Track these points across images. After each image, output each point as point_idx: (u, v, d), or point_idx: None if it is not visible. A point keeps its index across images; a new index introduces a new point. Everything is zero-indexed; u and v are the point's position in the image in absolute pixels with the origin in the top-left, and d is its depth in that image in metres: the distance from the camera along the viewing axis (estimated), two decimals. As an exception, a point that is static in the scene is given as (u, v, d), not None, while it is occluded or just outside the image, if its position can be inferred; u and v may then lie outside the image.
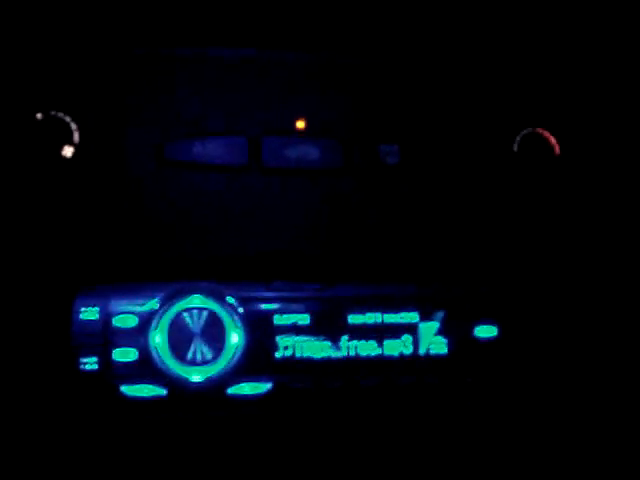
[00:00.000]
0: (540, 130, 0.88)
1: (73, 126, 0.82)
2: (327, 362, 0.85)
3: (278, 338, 0.84)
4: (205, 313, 0.83)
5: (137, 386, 0.83)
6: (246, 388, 0.84)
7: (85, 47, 0.83)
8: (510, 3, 0.87)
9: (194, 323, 0.83)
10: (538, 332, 0.88)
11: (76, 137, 0.82)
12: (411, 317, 0.86)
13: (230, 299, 0.84)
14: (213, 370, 0.83)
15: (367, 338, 0.85)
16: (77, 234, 0.83)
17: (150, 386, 0.83)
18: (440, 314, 0.86)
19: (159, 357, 0.82)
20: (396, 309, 0.86)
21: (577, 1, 0.88)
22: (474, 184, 0.87)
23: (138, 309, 0.83)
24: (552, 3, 0.88)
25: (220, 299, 0.84)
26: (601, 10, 0.89)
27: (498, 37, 0.88)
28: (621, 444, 0.89)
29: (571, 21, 0.88)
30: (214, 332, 0.83)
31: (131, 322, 0.83)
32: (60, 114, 0.82)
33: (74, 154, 0.82)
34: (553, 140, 0.88)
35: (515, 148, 0.88)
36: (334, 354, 0.85)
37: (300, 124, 0.86)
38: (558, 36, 0.88)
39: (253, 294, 0.85)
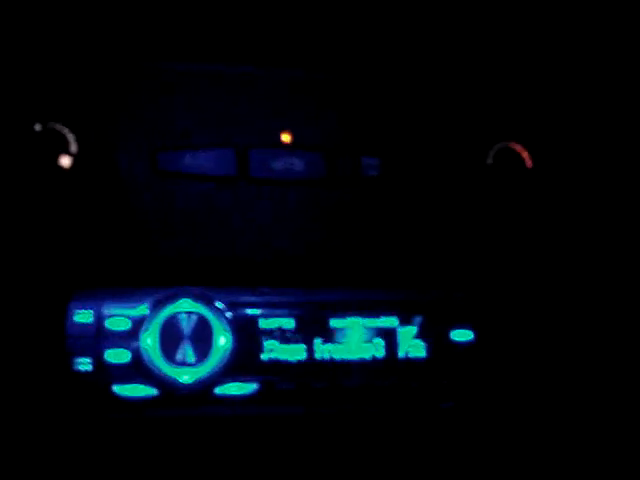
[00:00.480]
0: (513, 144, 0.92)
1: (70, 137, 0.86)
2: (310, 364, 0.89)
3: (264, 341, 0.88)
4: (194, 317, 0.87)
5: (129, 386, 0.86)
6: (233, 389, 0.87)
7: (82, 60, 0.86)
8: (485, 21, 0.92)
9: (184, 326, 0.87)
10: (514, 336, 0.91)
11: (73, 147, 0.86)
12: (390, 321, 0.90)
13: (218, 303, 0.88)
14: (202, 371, 0.87)
15: (348, 341, 0.89)
16: (73, 240, 0.86)
17: (141, 386, 0.86)
18: (418, 319, 0.90)
19: (150, 359, 0.86)
20: (376, 313, 0.90)
21: (548, 18, 0.92)
22: (450, 195, 0.91)
23: (130, 312, 0.87)
24: (525, 20, 0.92)
25: (209, 303, 0.87)
26: (573, 27, 0.93)
27: (474, 55, 0.92)
28: (598, 447, 0.92)
29: (543, 38, 0.92)
30: (203, 335, 0.87)
31: (123, 325, 0.86)
32: (58, 125, 0.85)
33: (71, 164, 0.85)
34: (525, 154, 0.92)
35: (489, 161, 0.92)
36: (317, 356, 0.89)
37: (285, 137, 0.90)
38: (530, 55, 0.92)
39: (240, 299, 0.89)
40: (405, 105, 0.91)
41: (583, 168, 0.92)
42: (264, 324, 0.88)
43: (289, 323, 0.88)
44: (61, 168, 0.85)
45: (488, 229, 0.91)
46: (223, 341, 0.87)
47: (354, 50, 0.91)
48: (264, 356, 0.88)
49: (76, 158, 0.86)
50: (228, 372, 0.87)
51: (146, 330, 0.86)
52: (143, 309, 0.86)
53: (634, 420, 0.92)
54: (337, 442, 0.90)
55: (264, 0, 0.90)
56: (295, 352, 0.88)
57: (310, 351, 0.88)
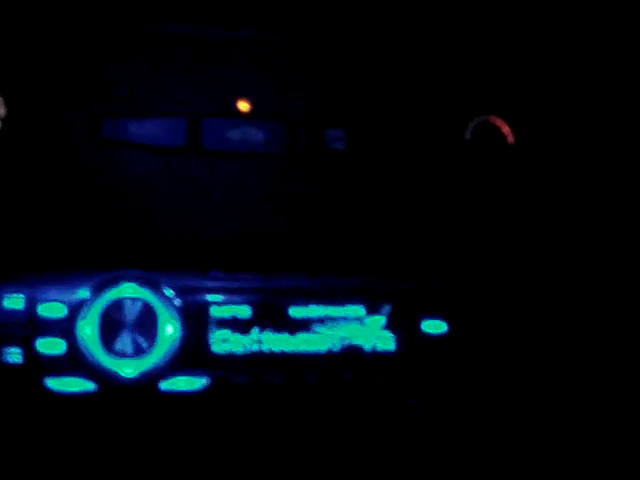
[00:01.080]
0: (493, 118, 0.85)
1: (-1, 99, 0.77)
2: (268, 356, 0.81)
3: (216, 330, 0.80)
4: (139, 303, 0.79)
5: (64, 380, 0.79)
6: (181, 383, 0.80)
7: (15, 14, 0.78)
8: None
9: (127, 313, 0.79)
10: (489, 328, 0.85)
11: (2, 111, 0.77)
12: (357, 311, 0.83)
13: (166, 289, 0.80)
14: (146, 364, 0.79)
15: (310, 332, 0.82)
16: (4, 217, 0.79)
17: (78, 380, 0.79)
18: (387, 308, 0.83)
19: (88, 349, 0.78)
20: (341, 302, 0.82)
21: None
22: (424, 173, 0.84)
23: (67, 297, 0.79)
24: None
25: (155, 288, 0.80)
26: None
27: (452, 22, 0.85)
28: (574, 443, 0.88)
29: (525, 5, 0.85)
30: (148, 323, 0.79)
31: (59, 311, 0.78)
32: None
33: (0, 130, 0.77)
34: (506, 128, 0.85)
35: (467, 136, 0.85)
36: (274, 348, 0.81)
37: (243, 105, 0.82)
38: (510, 23, 0.86)
39: (190, 284, 0.81)
40: (375, 73, 0.84)
41: (567, 144, 0.86)
42: (216, 312, 0.81)
43: (244, 311, 0.81)
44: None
45: (464, 211, 0.84)
46: (170, 330, 0.79)
47: (320, 11, 0.83)
48: (216, 348, 0.80)
49: (5, 122, 0.76)
50: (175, 365, 0.80)
51: (84, 317, 0.78)
52: (81, 294, 0.78)
53: (610, 410, 0.89)
54: (295, 441, 0.84)
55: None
56: (250, 343, 0.81)
57: (267, 342, 0.80)
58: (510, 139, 0.86)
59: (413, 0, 0.85)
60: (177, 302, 0.80)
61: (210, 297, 0.81)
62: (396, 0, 0.85)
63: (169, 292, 0.80)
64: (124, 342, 0.79)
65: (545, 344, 0.87)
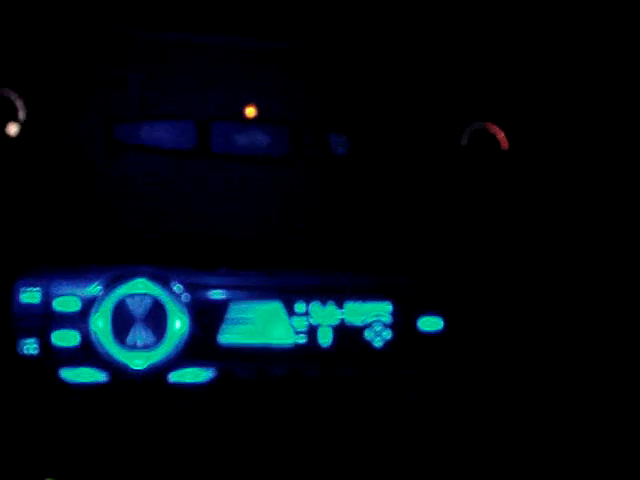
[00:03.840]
0: (488, 124, 0.88)
1: (19, 103, 0.80)
2: (271, 350, 0.84)
3: (222, 325, 0.84)
4: (149, 298, 0.82)
5: (77, 371, 0.82)
6: (188, 375, 0.83)
7: (33, 21, 0.81)
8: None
9: (137, 308, 0.82)
10: (486, 326, 0.88)
11: (22, 115, 0.81)
12: (356, 307, 0.86)
13: (174, 284, 0.83)
14: (155, 356, 0.82)
15: (312, 327, 0.85)
16: (21, 215, 0.81)
17: (91, 371, 0.82)
18: (386, 305, 0.86)
19: (100, 342, 0.81)
20: (341, 298, 0.86)
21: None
22: (422, 177, 0.87)
23: (80, 292, 0.82)
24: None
25: (164, 284, 0.83)
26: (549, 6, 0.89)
27: (448, 30, 0.88)
28: (570, 440, 0.90)
29: (520, 12, 0.88)
30: (158, 318, 0.82)
31: (73, 305, 0.81)
32: (5, 90, 0.80)
33: (19, 132, 0.80)
34: (502, 135, 0.88)
35: (463, 142, 0.88)
36: (278, 343, 0.84)
37: (250, 110, 0.85)
38: (505, 32, 0.88)
39: (198, 280, 0.84)
40: (376, 81, 0.87)
41: (562, 150, 0.88)
42: (222, 308, 0.83)
43: (249, 307, 0.84)
44: (8, 136, 0.80)
45: (461, 213, 0.87)
46: (179, 325, 0.82)
47: (324, 20, 0.86)
48: (222, 341, 0.83)
49: (24, 126, 0.80)
50: (183, 358, 0.83)
51: (97, 311, 0.82)
52: (94, 289, 0.81)
53: (606, 406, 0.90)
54: (297, 432, 0.87)
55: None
56: (254, 337, 0.84)
57: (270, 337, 0.84)
58: (505, 145, 0.89)
59: (412, 9, 0.88)
60: (185, 298, 0.83)
61: (216, 293, 0.84)
62: (395, 9, 0.88)
63: (178, 288, 0.83)
64: (134, 335, 0.82)
65: (540, 340, 0.89)
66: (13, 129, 0.80)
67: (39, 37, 0.81)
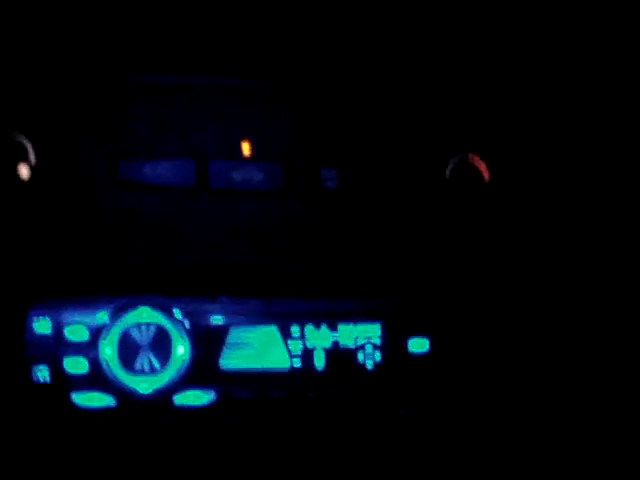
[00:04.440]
0: (471, 156, 0.94)
1: (29, 146, 0.86)
2: (270, 373, 0.90)
3: (222, 350, 0.89)
4: (153, 326, 0.88)
5: (88, 395, 0.87)
6: (191, 397, 0.88)
7: (41, 70, 0.86)
8: (440, 34, 0.93)
9: (142, 335, 0.88)
10: (469, 346, 0.93)
11: (32, 157, 0.86)
12: (350, 330, 0.91)
13: (177, 312, 0.88)
14: (160, 381, 0.87)
15: (308, 350, 0.90)
16: (33, 248, 0.87)
17: (100, 395, 0.87)
18: (377, 327, 0.92)
19: (109, 368, 0.87)
20: (335, 322, 0.91)
21: (506, 26, 0.94)
22: (408, 207, 0.92)
23: (89, 321, 0.87)
24: (481, 31, 0.94)
25: (167, 312, 0.88)
26: (531, 33, 0.94)
27: (433, 71, 0.93)
28: (557, 457, 0.94)
29: (498, 49, 0.93)
30: (162, 344, 0.88)
31: (82, 334, 0.87)
32: (17, 134, 0.86)
33: (30, 174, 0.86)
34: (483, 166, 0.94)
35: (447, 174, 0.93)
36: (276, 365, 0.90)
37: (245, 148, 0.91)
38: (485, 70, 0.94)
39: (199, 308, 0.89)
40: (364, 118, 0.92)
41: (541, 180, 0.94)
42: (222, 333, 0.89)
43: (247, 333, 0.89)
44: (19, 177, 0.85)
45: (446, 240, 0.92)
46: (182, 350, 0.88)
47: (314, 62, 0.92)
48: (222, 365, 0.88)
49: (35, 167, 0.86)
50: (186, 381, 0.88)
51: (105, 339, 0.87)
52: (102, 317, 0.87)
53: (599, 431, 0.94)
54: (295, 450, 0.91)
55: (222, 11, 0.90)
56: (254, 361, 0.89)
57: (268, 360, 0.89)
58: (486, 177, 0.95)
59: (397, 49, 0.93)
60: (187, 324, 0.89)
61: (216, 320, 0.90)
62: (380, 51, 0.93)
63: (180, 315, 0.89)
64: (141, 361, 0.87)
65: (521, 361, 0.94)
66: (24, 170, 0.86)
67: (46, 83, 0.87)
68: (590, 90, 0.96)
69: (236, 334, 0.89)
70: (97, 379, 0.86)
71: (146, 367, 0.87)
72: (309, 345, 0.90)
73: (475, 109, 0.94)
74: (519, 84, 0.95)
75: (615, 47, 0.95)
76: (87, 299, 0.88)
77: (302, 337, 0.90)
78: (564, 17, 0.94)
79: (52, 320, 0.86)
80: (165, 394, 0.87)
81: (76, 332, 0.86)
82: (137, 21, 0.90)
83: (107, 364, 0.87)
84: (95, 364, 0.86)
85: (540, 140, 0.95)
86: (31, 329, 0.86)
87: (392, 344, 0.92)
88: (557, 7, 0.93)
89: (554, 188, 0.95)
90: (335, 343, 0.91)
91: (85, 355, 0.86)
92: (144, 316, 0.88)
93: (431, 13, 0.93)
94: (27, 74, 0.87)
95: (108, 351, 0.87)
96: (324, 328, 0.90)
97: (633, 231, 0.94)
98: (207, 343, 0.89)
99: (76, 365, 0.86)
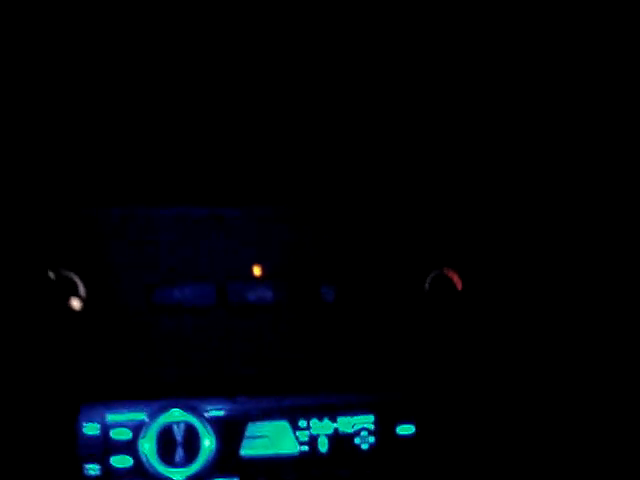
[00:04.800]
0: (446, 270, 1.12)
1: (79, 282, 1.03)
2: (282, 459, 1.07)
3: (244, 442, 1.06)
4: (183, 424, 1.05)
5: (132, 486, 1.04)
6: (217, 483, 1.06)
7: (85, 218, 1.03)
8: (416, 165, 1.10)
9: (176, 431, 1.05)
10: (449, 429, 1.10)
11: (82, 291, 1.04)
12: (350, 421, 1.09)
13: (203, 412, 1.06)
14: (191, 470, 1.04)
15: (313, 439, 1.08)
16: (82, 364, 1.03)
17: (142, 486, 1.04)
18: (371, 417, 1.10)
19: (149, 462, 1.04)
20: (335, 415, 1.08)
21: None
22: (394, 316, 1.09)
23: (130, 422, 1.05)
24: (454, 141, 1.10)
25: (195, 412, 1.05)
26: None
27: (415, 199, 1.10)
28: None
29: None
30: (191, 439, 1.05)
31: (125, 434, 1.04)
32: (68, 272, 1.03)
33: (82, 306, 1.03)
34: (456, 277, 1.12)
35: (426, 287, 1.12)
36: (287, 452, 1.07)
37: (256, 269, 1.09)
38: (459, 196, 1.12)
39: (222, 407, 1.07)
40: (357, 242, 1.09)
41: (508, 286, 1.11)
42: (243, 427, 1.06)
43: (262, 425, 1.07)
44: (72, 309, 1.03)
45: (427, 342, 1.10)
46: (208, 443, 1.05)
47: (313, 195, 1.09)
48: (243, 455, 1.06)
49: (85, 299, 1.03)
50: (213, 469, 1.05)
51: (144, 437, 1.04)
52: (141, 418, 1.04)
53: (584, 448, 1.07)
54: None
55: (238, 149, 1.08)
56: (269, 448, 1.06)
57: (281, 449, 1.07)
58: (459, 286, 1.13)
59: (384, 180, 1.11)
60: (212, 421, 1.06)
61: (237, 416, 1.07)
62: (369, 182, 1.11)
63: (206, 414, 1.06)
64: (174, 454, 1.05)
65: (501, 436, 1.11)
66: (76, 303, 1.03)
67: (90, 227, 1.04)
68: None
69: (253, 427, 1.06)
70: (139, 471, 1.03)
71: (179, 459, 1.04)
72: (314, 433, 1.08)
73: (449, 234, 1.11)
74: (486, 214, 1.11)
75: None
76: (128, 403, 1.05)
77: (308, 427, 1.07)
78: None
79: (100, 424, 1.03)
80: (196, 481, 1.04)
81: (120, 433, 1.03)
82: (164, 161, 1.06)
83: (147, 458, 1.03)
84: (137, 459, 1.03)
85: (506, 255, 1.12)
86: (82, 432, 1.03)
87: (384, 430, 1.09)
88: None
89: (520, 294, 1.12)
90: (336, 430, 1.08)
91: (129, 452, 1.03)
92: (176, 415, 1.05)
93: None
94: (75, 222, 1.04)
95: (147, 447, 1.03)
96: (326, 420, 1.08)
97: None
98: (229, 436, 1.06)
99: (122, 461, 1.03)
